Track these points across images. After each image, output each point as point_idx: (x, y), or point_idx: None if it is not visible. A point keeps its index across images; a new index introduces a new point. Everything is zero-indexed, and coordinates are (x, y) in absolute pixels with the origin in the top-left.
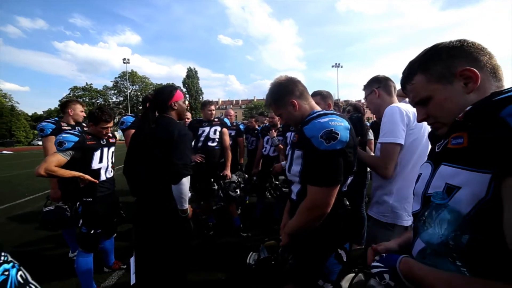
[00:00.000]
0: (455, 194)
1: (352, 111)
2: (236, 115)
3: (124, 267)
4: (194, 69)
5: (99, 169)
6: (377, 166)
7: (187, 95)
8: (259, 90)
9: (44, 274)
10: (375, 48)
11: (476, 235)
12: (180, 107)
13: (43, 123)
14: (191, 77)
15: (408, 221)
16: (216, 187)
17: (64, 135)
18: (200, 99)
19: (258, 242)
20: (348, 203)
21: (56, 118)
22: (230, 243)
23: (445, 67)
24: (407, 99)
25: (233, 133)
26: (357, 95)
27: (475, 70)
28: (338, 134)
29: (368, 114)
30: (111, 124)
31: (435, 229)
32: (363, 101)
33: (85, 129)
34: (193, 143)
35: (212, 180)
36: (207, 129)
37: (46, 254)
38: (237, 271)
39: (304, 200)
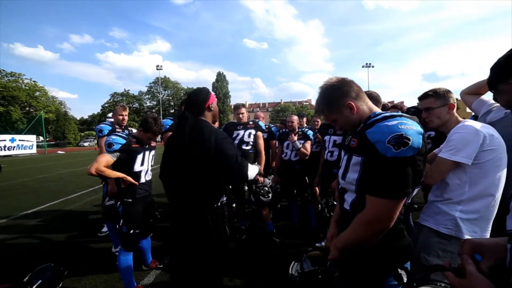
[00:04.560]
0: None
1: None
2: (264, 118)
3: (161, 266)
4: (223, 73)
5: (140, 171)
6: (426, 174)
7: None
8: (285, 92)
9: (92, 266)
10: (409, 46)
11: None
12: (215, 109)
13: (102, 125)
14: (220, 81)
15: (469, 235)
16: (247, 189)
17: (113, 137)
18: (228, 102)
19: (292, 248)
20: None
21: (112, 121)
22: (263, 248)
23: None
24: (482, 97)
25: (265, 136)
26: (389, 96)
27: None
28: (409, 140)
29: None
30: (156, 138)
31: None
32: (395, 102)
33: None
34: None
35: (245, 184)
36: (241, 132)
37: (93, 247)
38: (271, 279)
39: (362, 212)
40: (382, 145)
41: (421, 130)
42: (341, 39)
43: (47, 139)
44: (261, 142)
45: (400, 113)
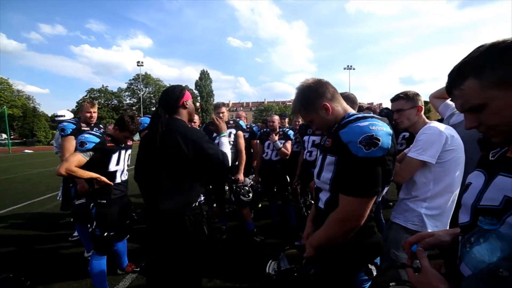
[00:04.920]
0: None
1: None
2: (246, 117)
3: (137, 269)
4: (207, 71)
5: (115, 171)
6: (396, 173)
7: (199, 97)
8: (269, 92)
9: (61, 273)
10: (388, 50)
11: None
12: (191, 107)
13: (65, 123)
14: (203, 79)
15: (431, 230)
16: (227, 189)
17: (86, 135)
18: (211, 101)
19: (272, 247)
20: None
21: (77, 119)
22: (243, 248)
23: (509, 70)
24: (447, 101)
25: (246, 135)
26: (369, 98)
27: None
28: (379, 140)
29: None
30: (133, 137)
31: (484, 257)
32: (374, 104)
33: (107, 129)
34: None
35: (225, 183)
36: None
37: (63, 252)
38: (252, 279)
39: (335, 211)
40: (354, 145)
41: (391, 131)
42: (324, 40)
43: (12, 137)
44: (242, 142)
45: (371, 114)
